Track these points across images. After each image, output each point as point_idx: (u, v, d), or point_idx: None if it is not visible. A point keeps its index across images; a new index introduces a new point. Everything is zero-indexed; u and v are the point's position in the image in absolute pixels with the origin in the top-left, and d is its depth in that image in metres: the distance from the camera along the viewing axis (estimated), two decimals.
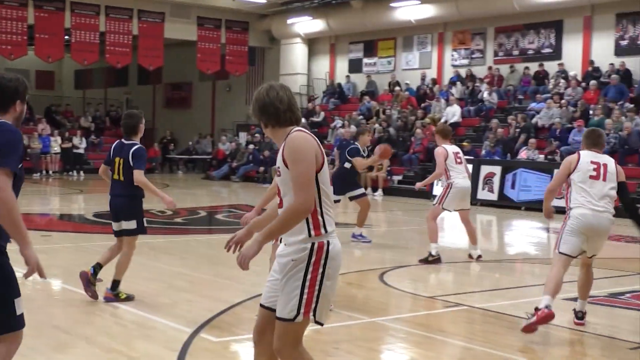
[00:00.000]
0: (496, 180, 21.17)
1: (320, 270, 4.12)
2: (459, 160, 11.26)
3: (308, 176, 4.06)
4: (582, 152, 7.38)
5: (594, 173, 7.20)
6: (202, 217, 17.28)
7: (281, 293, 4.19)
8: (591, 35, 25.72)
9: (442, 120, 25.71)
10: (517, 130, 23.38)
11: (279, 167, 4.23)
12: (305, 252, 4.12)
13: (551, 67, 26.21)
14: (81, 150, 30.55)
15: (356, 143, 12.96)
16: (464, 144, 23.80)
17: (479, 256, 11.34)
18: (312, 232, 4.13)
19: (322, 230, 4.15)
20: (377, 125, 26.37)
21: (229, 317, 7.46)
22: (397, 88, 29.56)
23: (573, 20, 26.05)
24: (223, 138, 32.57)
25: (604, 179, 7.19)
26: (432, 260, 10.91)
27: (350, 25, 31.47)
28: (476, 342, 6.83)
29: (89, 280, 7.89)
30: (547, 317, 6.86)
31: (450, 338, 7.02)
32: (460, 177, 11.16)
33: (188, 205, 18.49)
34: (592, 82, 24.10)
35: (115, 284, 7.91)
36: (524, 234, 16.38)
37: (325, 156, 4.20)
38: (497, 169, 21.32)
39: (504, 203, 20.62)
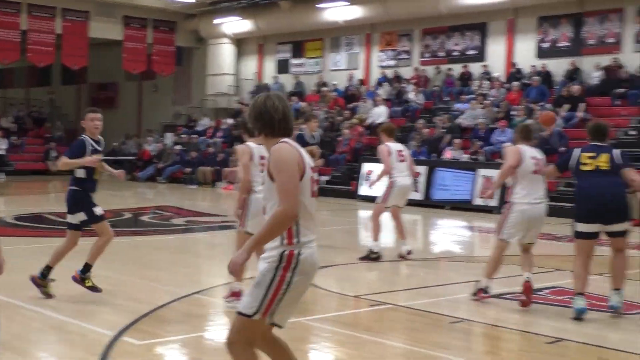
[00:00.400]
0: (422, 180, 21.43)
1: (288, 277, 4.26)
2: (401, 158, 11.37)
3: (292, 184, 4.22)
4: (522, 147, 8.27)
5: (536, 168, 8.18)
6: (127, 219, 17.04)
7: (248, 289, 4.39)
8: (514, 38, 26.29)
9: (369, 121, 25.95)
10: (443, 130, 23.74)
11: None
12: (276, 258, 4.27)
13: (475, 68, 26.70)
14: (2, 152, 29.83)
15: (303, 128, 12.79)
16: None
17: (409, 251, 11.44)
18: (285, 241, 4.27)
19: (295, 240, 4.28)
20: (303, 126, 26.41)
21: (153, 319, 7.38)
22: (324, 89, 29.69)
23: (497, 23, 26.59)
24: (149, 139, 32.20)
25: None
26: (373, 257, 10.97)
27: (278, 26, 31.46)
28: (400, 340, 6.92)
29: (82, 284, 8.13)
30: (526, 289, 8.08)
31: (375, 337, 7.09)
32: (402, 175, 11.30)
33: (113, 207, 18.21)
34: (515, 84, 24.63)
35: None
36: (449, 233, 16.65)
37: (307, 168, 4.32)
38: (423, 169, 21.60)
39: (430, 202, 20.90)
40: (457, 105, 25.28)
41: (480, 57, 26.95)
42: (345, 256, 11.43)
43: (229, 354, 4.41)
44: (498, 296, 8.85)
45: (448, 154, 22.39)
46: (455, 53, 27.66)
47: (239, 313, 4.35)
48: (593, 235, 7.79)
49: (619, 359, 6.43)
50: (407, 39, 28.97)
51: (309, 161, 4.38)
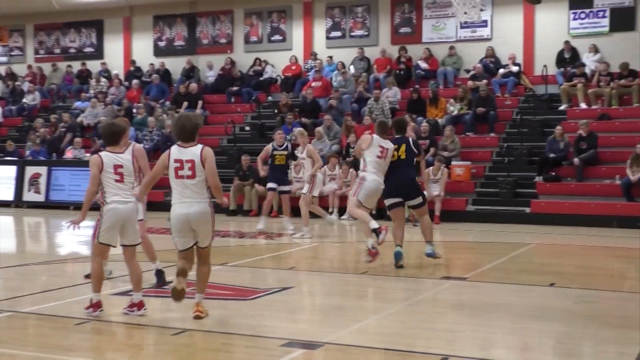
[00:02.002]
0: (42, 181, 20.67)
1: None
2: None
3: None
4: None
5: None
6: None
7: None
8: (131, 36, 26.37)
9: None
10: (63, 129, 23.06)
11: None
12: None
13: (94, 66, 26.32)
14: None
15: None
16: (8, 143, 22.84)
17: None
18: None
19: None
20: None
21: None
22: None
23: (113, 20, 26.47)
24: None
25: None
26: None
27: None
28: (23, 348, 6.61)
29: None
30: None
31: None
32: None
33: None
34: (135, 82, 24.74)
35: None
36: (73, 234, 16.21)
37: (171, 160, 7.29)
38: (43, 170, 20.81)
39: (51, 204, 20.22)
40: (77, 104, 24.78)
41: (98, 54, 26.68)
42: None
43: None
44: (126, 293, 8.86)
45: (69, 153, 21.81)
46: (72, 50, 27.09)
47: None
48: (398, 204, 10.81)
49: (243, 343, 6.80)
50: (19, 34, 27.70)
51: (176, 156, 7.26)
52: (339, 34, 24.11)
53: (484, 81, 20.92)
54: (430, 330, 7.20)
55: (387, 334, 7.10)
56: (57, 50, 27.23)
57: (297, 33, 24.57)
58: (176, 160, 7.26)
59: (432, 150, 18.48)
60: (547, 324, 7.42)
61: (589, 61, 20.87)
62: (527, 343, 6.97)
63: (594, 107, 19.83)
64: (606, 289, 9.58)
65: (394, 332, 7.19)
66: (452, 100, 20.50)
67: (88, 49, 26.88)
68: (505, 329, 7.36)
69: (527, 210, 17.33)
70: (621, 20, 20.85)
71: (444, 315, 7.93)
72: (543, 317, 7.74)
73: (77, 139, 22.04)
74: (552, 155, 17.95)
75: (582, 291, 9.21)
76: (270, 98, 23.71)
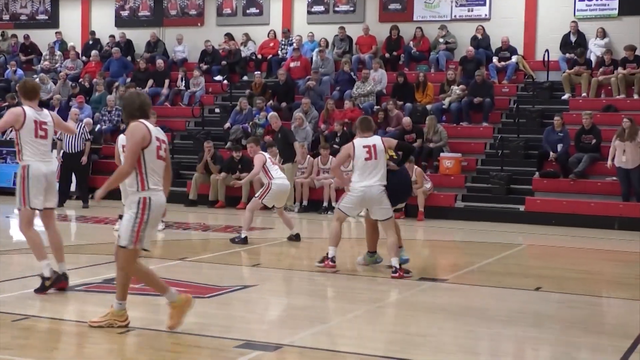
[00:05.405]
0: None
1: (146, 215, 6.92)
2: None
3: (131, 150, 6.83)
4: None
5: (367, 155, 10.10)
6: None
7: (120, 229, 7.06)
8: (90, 4, 26.30)
9: None
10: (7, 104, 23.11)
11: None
12: (135, 202, 6.93)
13: (48, 35, 26.24)
14: None
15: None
16: None
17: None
18: (139, 188, 6.94)
19: (146, 187, 6.94)
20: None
21: None
22: None
23: None
24: None
25: (375, 158, 10.17)
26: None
27: None
28: None
29: None
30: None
31: None
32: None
33: None
34: (94, 53, 24.67)
35: None
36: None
37: (154, 138, 6.92)
38: None
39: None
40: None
41: (52, 23, 26.64)
42: None
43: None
44: (72, 289, 9.01)
45: None
46: (23, 17, 27.04)
47: (120, 246, 6.95)
48: None
49: (193, 343, 7.02)
50: None
51: (156, 134, 6.95)
52: (321, 8, 24.17)
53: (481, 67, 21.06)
54: (396, 334, 7.45)
55: (350, 336, 7.36)
56: (6, 17, 27.20)
57: (275, 6, 24.61)
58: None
59: (419, 142, 18.55)
60: (523, 330, 7.69)
61: (596, 47, 21.04)
62: (497, 349, 7.22)
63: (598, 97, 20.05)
64: (594, 294, 9.88)
65: (358, 334, 7.44)
66: (454, 88, 20.37)
67: (41, 17, 26.87)
68: (477, 334, 7.61)
69: (521, 208, 17.57)
70: (631, 3, 21.02)
71: (414, 318, 8.18)
72: (520, 322, 8.01)
73: None
74: (550, 150, 18.01)
75: (569, 296, 9.51)
76: (245, 78, 23.70)
